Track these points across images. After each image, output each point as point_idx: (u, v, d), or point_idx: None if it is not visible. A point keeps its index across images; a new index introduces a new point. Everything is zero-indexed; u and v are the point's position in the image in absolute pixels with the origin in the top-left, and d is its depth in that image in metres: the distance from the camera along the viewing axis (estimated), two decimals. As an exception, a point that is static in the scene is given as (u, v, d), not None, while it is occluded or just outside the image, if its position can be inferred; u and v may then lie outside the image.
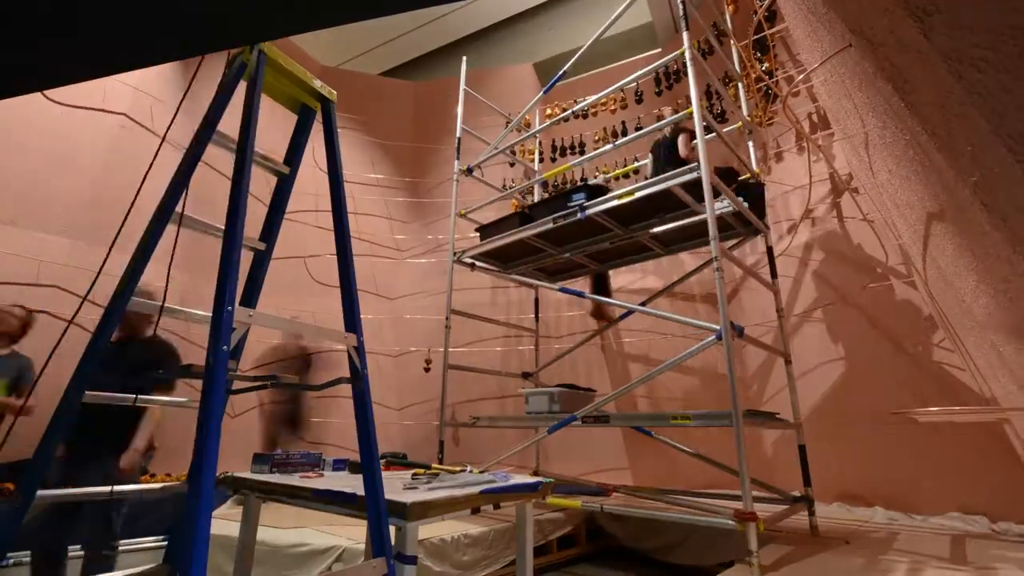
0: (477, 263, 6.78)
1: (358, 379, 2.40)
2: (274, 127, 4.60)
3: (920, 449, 5.27)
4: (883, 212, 5.04)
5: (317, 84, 2.90)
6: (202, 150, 2.47)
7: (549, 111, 9.48)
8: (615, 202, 5.04)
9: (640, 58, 9.48)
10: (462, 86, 7.57)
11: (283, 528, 4.54)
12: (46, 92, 6.18)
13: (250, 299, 2.62)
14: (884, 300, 5.62)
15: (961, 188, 2.28)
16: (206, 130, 2.39)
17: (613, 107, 9.00)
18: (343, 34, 10.75)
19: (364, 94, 9.90)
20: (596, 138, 9.10)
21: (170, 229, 2.46)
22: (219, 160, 7.96)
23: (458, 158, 7.18)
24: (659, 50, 9.32)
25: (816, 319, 6.16)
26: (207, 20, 1.56)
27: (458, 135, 7.29)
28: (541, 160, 9.52)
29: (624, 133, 8.87)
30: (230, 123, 2.35)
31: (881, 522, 5.10)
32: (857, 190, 5.75)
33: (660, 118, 8.38)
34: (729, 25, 6.58)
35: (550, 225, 5.54)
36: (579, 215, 5.28)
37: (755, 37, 6.26)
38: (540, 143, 9.47)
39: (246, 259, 2.41)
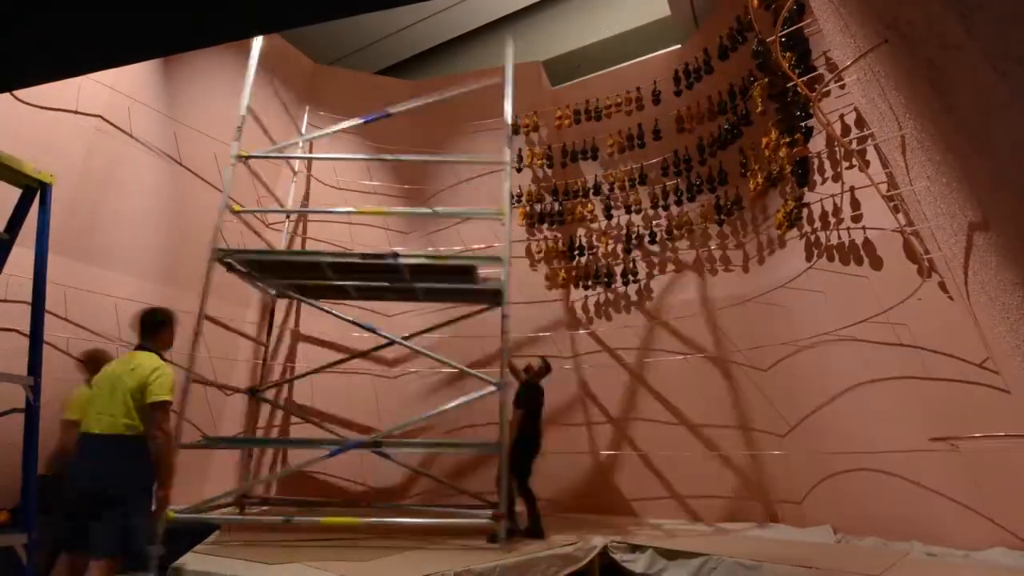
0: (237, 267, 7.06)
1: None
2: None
3: (961, 479, 5.22)
4: (921, 222, 5.03)
5: (32, 170, 3.89)
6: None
7: (559, 112, 9.51)
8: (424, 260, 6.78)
9: (658, 55, 9.51)
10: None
11: (272, 564, 4.52)
12: (15, 92, 6.20)
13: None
14: (923, 317, 5.58)
15: (1005, 195, 2.27)
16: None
17: (629, 108, 9.02)
18: (337, 30, 10.81)
19: (358, 94, 9.91)
20: (610, 142, 9.09)
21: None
22: (204, 167, 8.01)
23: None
24: (679, 46, 9.33)
25: (848, 337, 6.13)
26: (187, 18, 1.58)
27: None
28: (551, 166, 9.55)
29: (640, 136, 8.88)
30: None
31: (919, 557, 5.06)
32: (892, 198, 5.74)
33: (679, 119, 8.47)
34: (754, 19, 6.62)
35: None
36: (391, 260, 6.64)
37: (783, 32, 6.28)
38: (550, 148, 9.51)
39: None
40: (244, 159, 7.19)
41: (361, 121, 7.82)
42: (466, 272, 6.95)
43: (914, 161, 3.63)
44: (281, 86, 9.15)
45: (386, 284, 7.41)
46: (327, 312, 7.11)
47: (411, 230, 9.79)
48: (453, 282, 7.25)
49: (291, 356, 8.62)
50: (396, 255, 6.65)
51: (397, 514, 7.22)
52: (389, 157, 7.81)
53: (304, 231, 9.28)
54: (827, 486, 6.42)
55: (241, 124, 7.21)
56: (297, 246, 9.09)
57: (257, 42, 7.72)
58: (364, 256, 6.77)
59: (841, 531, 6.12)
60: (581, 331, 8.98)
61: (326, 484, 7.99)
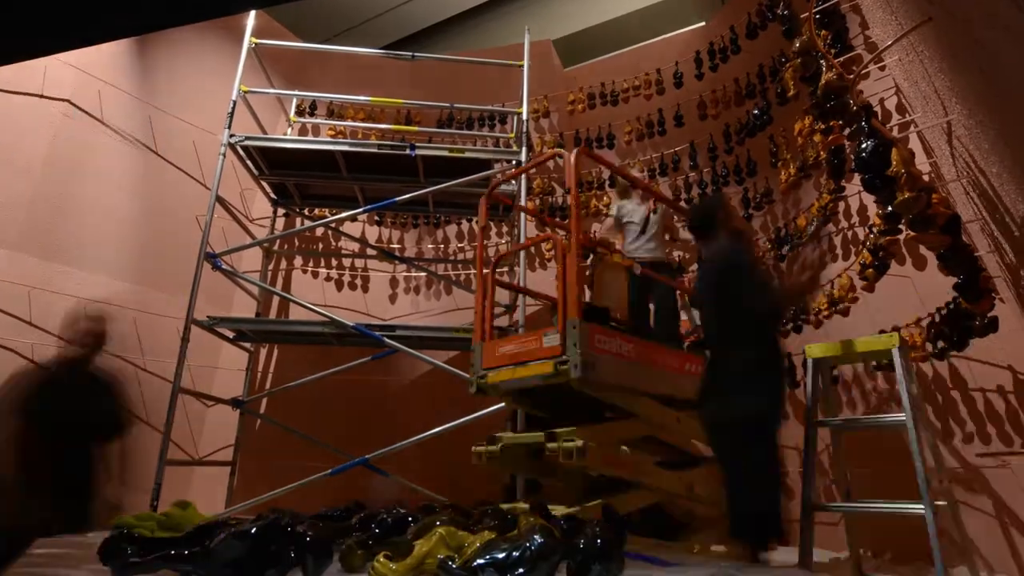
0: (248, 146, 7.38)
1: None
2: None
3: (1013, 498, 5.19)
4: (968, 216, 5.00)
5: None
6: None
7: (572, 96, 9.49)
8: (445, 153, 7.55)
9: (680, 33, 9.48)
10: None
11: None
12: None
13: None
14: (972, 322, 5.55)
15: (1063, 189, 2.26)
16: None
17: (648, 92, 8.98)
18: (332, 6, 10.80)
19: (354, 74, 9.89)
20: (628, 129, 9.06)
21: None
22: (183, 156, 8.03)
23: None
24: (702, 24, 9.29)
25: (890, 344, 6.10)
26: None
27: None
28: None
29: (661, 122, 8.85)
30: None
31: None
32: (937, 191, 5.72)
33: (701, 104, 8.44)
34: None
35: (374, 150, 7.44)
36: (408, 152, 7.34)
37: (818, 8, 6.25)
38: (562, 135, 9.50)
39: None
40: (234, 146, 7.16)
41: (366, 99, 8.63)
42: (482, 166, 7.70)
43: (961, 150, 3.62)
44: (268, 67, 9.12)
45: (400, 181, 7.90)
46: (320, 312, 7.04)
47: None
48: (467, 179, 7.49)
49: (280, 363, 8.61)
50: (413, 147, 7.32)
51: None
52: (387, 149, 7.79)
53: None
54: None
55: (232, 109, 7.22)
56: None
57: (249, 19, 7.73)
58: (381, 146, 7.39)
59: (880, 556, 6.10)
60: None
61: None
